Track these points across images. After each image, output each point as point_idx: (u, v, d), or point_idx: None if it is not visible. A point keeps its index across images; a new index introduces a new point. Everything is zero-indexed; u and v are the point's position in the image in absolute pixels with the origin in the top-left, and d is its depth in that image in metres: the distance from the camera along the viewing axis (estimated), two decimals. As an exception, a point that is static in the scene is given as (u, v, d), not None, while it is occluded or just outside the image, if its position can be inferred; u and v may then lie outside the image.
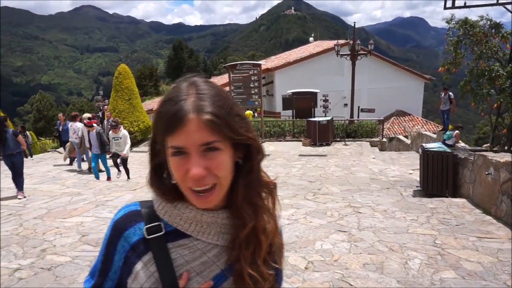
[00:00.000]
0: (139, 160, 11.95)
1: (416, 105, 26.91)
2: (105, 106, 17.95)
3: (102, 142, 8.73)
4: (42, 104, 58.82)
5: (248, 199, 0.76)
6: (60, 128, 11.09)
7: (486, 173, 5.58)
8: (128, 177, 8.95)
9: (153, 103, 29.25)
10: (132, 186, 7.81)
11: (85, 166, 10.50)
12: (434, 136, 14.58)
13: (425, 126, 23.83)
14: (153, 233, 0.75)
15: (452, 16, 7.20)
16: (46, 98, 63.53)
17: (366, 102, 23.42)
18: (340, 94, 22.89)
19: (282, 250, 0.86)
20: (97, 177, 9.03)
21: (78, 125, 10.25)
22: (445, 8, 6.97)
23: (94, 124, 9.02)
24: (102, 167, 9.37)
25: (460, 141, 11.82)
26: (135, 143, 15.40)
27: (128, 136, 9.01)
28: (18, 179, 6.94)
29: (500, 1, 6.57)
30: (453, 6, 6.89)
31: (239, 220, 0.76)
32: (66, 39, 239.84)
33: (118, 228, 0.77)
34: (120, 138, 8.66)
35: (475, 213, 5.47)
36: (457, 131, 11.76)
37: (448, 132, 11.88)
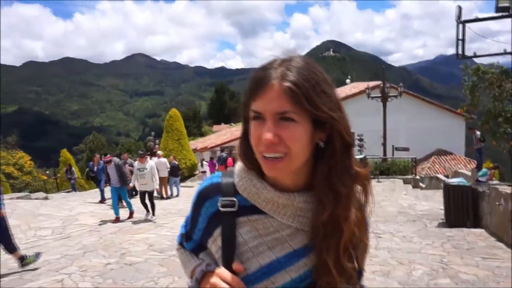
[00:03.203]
0: (186, 194, 13.26)
1: (458, 143, 26.50)
2: (156, 146, 19.85)
3: (121, 174, 8.08)
4: (95, 144, 63.73)
5: (329, 184, 0.73)
6: (95, 169, 11.50)
7: (497, 203, 6.17)
8: (153, 214, 8.17)
9: (197, 143, 31.32)
10: (184, 212, 8.98)
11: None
12: (469, 174, 14.75)
13: (468, 165, 23.34)
14: (227, 206, 0.77)
15: (466, 64, 8.06)
16: (98, 138, 69.02)
17: (404, 141, 23.58)
18: (378, 133, 23.34)
19: (366, 251, 0.83)
20: (116, 213, 8.14)
21: (162, 160, 11.52)
22: (457, 58, 7.88)
23: (112, 158, 8.42)
24: (124, 203, 8.74)
25: (493, 179, 12.06)
26: (182, 179, 16.90)
27: (155, 167, 8.25)
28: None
29: (507, 51, 7.41)
30: (464, 56, 7.79)
31: (318, 204, 0.74)
32: (118, 85, 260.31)
33: (201, 197, 0.83)
34: (146, 169, 7.93)
35: (489, 241, 6.00)
36: (492, 170, 12.07)
37: (484, 170, 12.18)
